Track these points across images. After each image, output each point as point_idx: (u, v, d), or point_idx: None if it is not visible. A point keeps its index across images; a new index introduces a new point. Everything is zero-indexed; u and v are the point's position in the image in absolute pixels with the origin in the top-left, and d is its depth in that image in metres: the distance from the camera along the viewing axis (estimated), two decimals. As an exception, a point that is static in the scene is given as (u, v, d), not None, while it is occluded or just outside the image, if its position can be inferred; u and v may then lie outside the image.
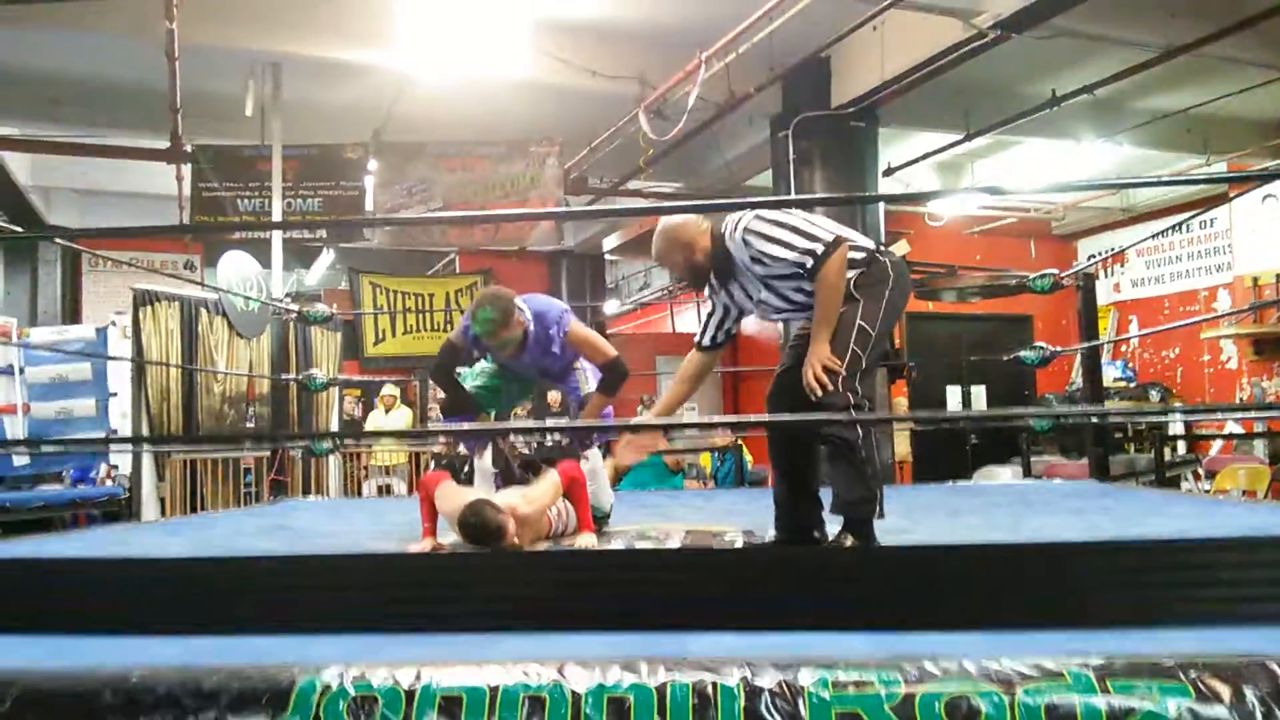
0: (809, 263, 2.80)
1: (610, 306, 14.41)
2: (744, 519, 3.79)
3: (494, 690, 1.44)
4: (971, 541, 2.61)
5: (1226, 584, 1.36)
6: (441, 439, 8.50)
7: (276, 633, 1.77)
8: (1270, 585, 1.38)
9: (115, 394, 7.97)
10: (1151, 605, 1.40)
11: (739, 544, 3.15)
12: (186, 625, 1.74)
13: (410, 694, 1.44)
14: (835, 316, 2.81)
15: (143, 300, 6.65)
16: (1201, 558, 1.40)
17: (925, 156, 8.95)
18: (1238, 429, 8.86)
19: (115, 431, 7.73)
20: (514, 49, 6.81)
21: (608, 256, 14.27)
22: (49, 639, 1.73)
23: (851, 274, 2.86)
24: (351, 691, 1.44)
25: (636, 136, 7.40)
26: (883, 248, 3.05)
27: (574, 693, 1.43)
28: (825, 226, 2.89)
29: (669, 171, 9.38)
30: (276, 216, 7.57)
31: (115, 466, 7.75)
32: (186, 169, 7.92)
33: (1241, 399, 9.94)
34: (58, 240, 9.68)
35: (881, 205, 7.99)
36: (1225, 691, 1.36)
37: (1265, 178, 7.08)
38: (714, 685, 1.42)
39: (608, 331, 14.05)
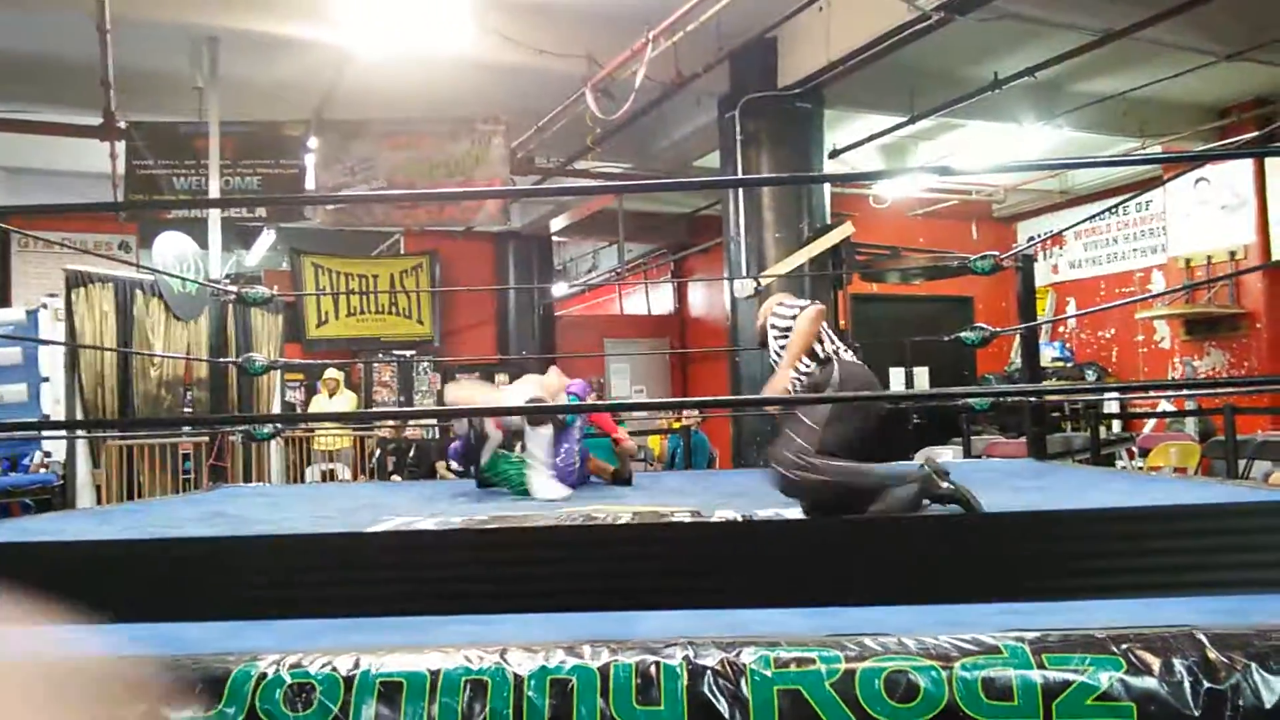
0: None
1: (558, 289, 14.35)
2: (692, 500, 3.80)
3: (435, 675, 1.42)
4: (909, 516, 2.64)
5: (1154, 554, 1.40)
6: (387, 423, 8.42)
7: (211, 618, 1.73)
8: (1195, 554, 1.42)
9: (47, 379, 7.72)
10: (1084, 576, 1.43)
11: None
12: (116, 612, 1.69)
13: (349, 680, 1.42)
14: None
15: (76, 282, 6.47)
16: (1130, 529, 1.44)
17: (870, 138, 9.03)
18: (1170, 407, 9.10)
19: (48, 417, 7.51)
20: (458, 25, 6.71)
21: (555, 238, 14.20)
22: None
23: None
24: (288, 679, 1.42)
25: (584, 116, 7.35)
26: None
27: (516, 675, 1.42)
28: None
29: (617, 152, 9.34)
30: (214, 195, 7.39)
31: (49, 454, 7.53)
32: (120, 146, 7.69)
33: (1174, 378, 10.21)
34: (-16, 219, 9.36)
35: (827, 187, 8.05)
36: (1155, 663, 1.39)
37: (1197, 159, 7.25)
38: (657, 665, 1.42)
39: (556, 314, 14.06)
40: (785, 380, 3.21)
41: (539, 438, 4.13)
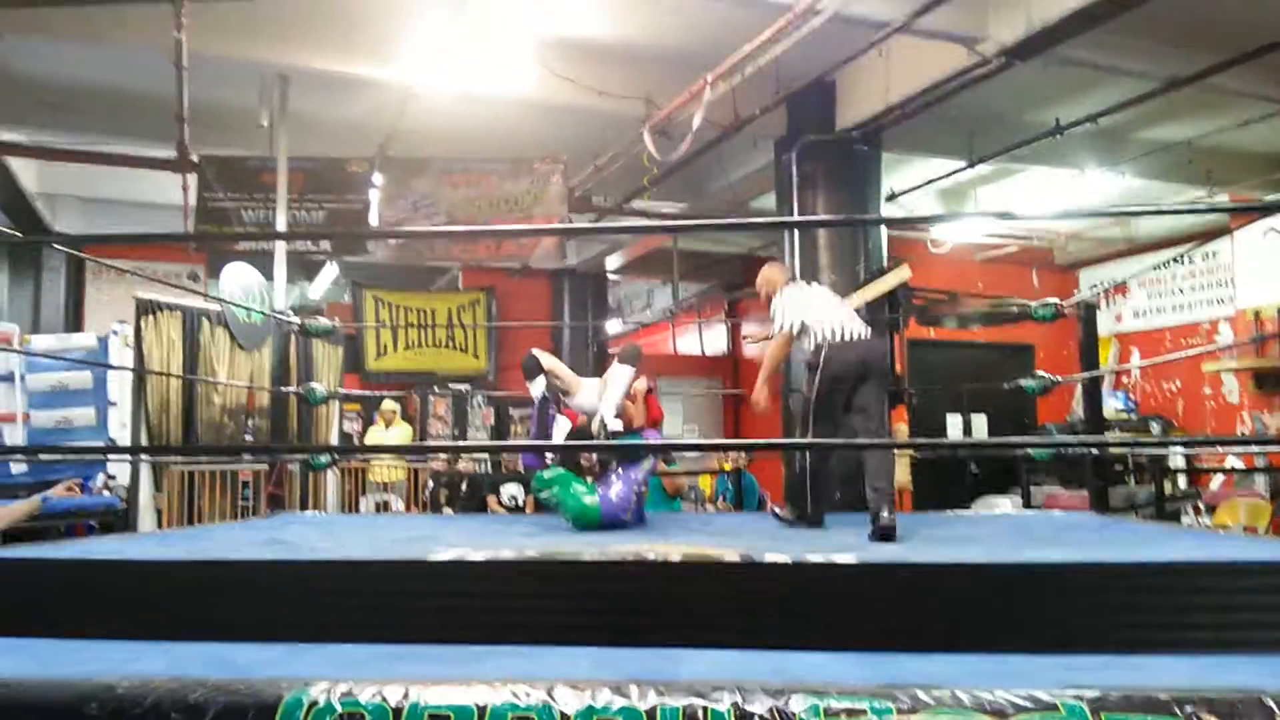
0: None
1: (612, 326, 14.42)
2: (742, 541, 3.76)
3: (482, 710, 1.42)
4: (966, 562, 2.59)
5: (1221, 610, 1.35)
6: (440, 456, 8.49)
7: (265, 640, 1.75)
8: (1265, 612, 1.36)
9: (115, 403, 7.94)
10: (1145, 630, 1.38)
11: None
12: (174, 631, 1.72)
13: (398, 711, 1.42)
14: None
15: (145, 309, 6.65)
16: (1196, 583, 1.39)
17: (929, 183, 8.98)
18: (1238, 463, 8.83)
19: (114, 441, 7.70)
20: (520, 67, 6.85)
21: (610, 275, 14.29)
22: (33, 643, 1.71)
23: None
24: (339, 708, 1.43)
25: (641, 156, 7.41)
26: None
27: (563, 714, 1.41)
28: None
29: (673, 191, 9.40)
30: (281, 228, 7.58)
31: (113, 477, 7.71)
32: (192, 179, 7.93)
33: (1243, 433, 9.92)
34: (59, 246, 9.71)
35: (884, 230, 8.00)
36: (1221, 727, 1.34)
37: (1267, 210, 7.08)
38: (704, 710, 1.40)
39: (610, 350, 14.10)
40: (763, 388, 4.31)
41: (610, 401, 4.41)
